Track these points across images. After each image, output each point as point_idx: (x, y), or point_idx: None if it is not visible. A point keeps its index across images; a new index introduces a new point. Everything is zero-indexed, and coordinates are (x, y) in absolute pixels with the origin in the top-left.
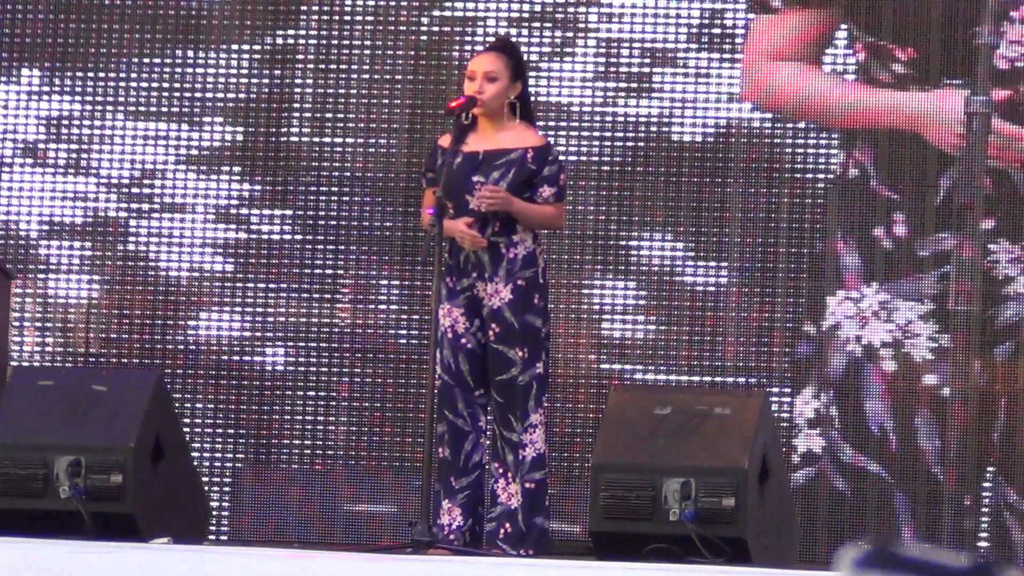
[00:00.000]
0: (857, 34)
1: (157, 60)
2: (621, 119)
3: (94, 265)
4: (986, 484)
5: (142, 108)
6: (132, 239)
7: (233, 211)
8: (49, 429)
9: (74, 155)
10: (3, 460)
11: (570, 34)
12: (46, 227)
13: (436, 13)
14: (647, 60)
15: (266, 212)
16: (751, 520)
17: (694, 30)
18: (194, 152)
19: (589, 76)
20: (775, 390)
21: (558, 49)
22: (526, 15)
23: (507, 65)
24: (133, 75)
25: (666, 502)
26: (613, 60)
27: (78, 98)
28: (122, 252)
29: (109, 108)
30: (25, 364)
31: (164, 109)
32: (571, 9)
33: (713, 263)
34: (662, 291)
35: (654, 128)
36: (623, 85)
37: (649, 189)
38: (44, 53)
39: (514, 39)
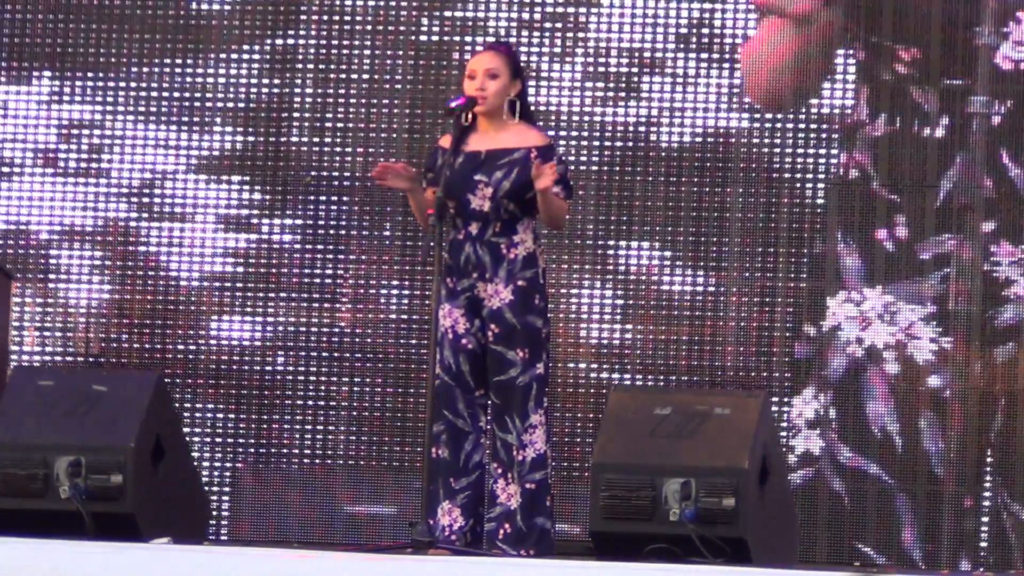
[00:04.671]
0: (858, 33)
1: (157, 65)
2: (622, 123)
3: (93, 270)
4: (986, 483)
5: (141, 113)
6: (132, 245)
7: (233, 216)
8: (49, 429)
9: (84, 161)
10: (3, 460)
11: (571, 33)
12: (46, 232)
13: (437, 13)
14: (647, 63)
15: (266, 216)
16: (751, 520)
17: (694, 29)
18: (194, 157)
19: (589, 80)
20: (775, 388)
21: (557, 50)
22: (525, 20)
23: (507, 63)
24: (133, 81)
25: (666, 502)
26: (614, 62)
27: (77, 104)
28: (123, 258)
29: (109, 114)
30: (25, 364)
31: (164, 114)
32: (571, 9)
33: (713, 265)
34: (661, 294)
35: (653, 130)
36: (623, 87)
37: (649, 191)
38: (44, 56)
39: (513, 41)
